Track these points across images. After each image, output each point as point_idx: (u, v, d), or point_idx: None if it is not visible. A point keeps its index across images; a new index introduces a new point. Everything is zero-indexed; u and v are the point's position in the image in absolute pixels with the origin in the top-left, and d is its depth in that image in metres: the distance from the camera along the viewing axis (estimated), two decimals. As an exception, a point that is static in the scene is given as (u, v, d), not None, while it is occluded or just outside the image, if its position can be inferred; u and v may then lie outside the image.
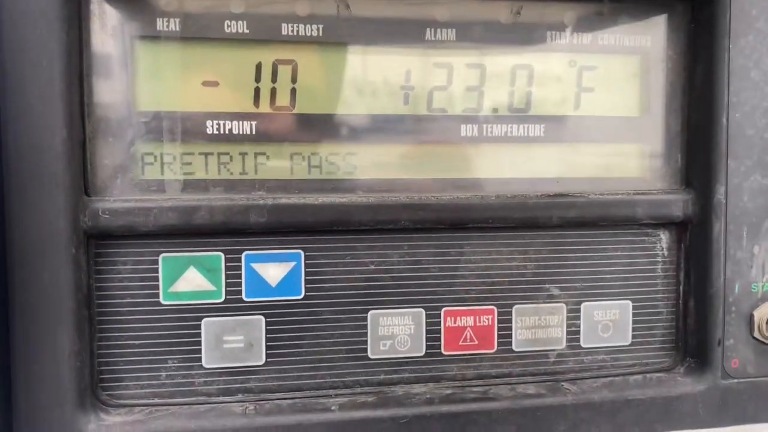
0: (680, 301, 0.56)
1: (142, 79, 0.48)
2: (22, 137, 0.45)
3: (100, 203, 0.47)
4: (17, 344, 0.46)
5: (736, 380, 0.54)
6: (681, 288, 0.56)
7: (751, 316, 0.54)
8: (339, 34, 0.50)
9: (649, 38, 0.55)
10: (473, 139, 0.53)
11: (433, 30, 0.52)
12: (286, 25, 0.50)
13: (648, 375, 0.55)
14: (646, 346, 0.56)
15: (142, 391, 0.49)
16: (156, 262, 0.49)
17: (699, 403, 0.54)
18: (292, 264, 0.51)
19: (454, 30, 0.52)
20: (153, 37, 0.48)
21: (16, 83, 0.44)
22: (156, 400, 0.49)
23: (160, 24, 0.48)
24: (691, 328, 0.55)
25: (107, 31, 0.47)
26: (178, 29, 0.48)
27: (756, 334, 0.54)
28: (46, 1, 0.44)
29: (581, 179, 0.55)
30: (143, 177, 0.49)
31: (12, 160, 0.45)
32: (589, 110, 0.55)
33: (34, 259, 0.45)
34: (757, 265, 0.54)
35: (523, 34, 0.53)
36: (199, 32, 0.49)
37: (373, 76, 0.51)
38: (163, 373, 0.49)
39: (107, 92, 0.48)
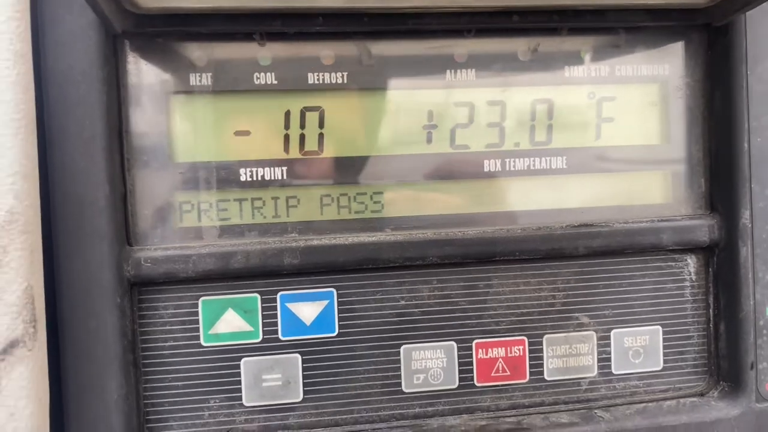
0: (711, 325, 0.56)
1: (177, 132, 0.51)
2: (68, 193, 0.47)
3: (142, 252, 0.49)
4: (69, 389, 0.48)
5: (771, 403, 0.54)
6: (711, 312, 0.56)
7: (784, 339, 0.54)
8: (363, 80, 0.52)
9: (667, 66, 0.56)
10: (497, 174, 0.54)
11: (453, 71, 0.53)
12: (312, 74, 0.52)
13: (681, 400, 0.55)
14: (678, 371, 0.56)
15: (186, 430, 0.51)
16: (196, 305, 0.51)
17: (734, 428, 0.54)
18: (326, 302, 0.52)
19: (473, 69, 0.54)
20: (187, 91, 0.51)
21: (61, 142, 0.47)
22: (200, 439, 0.51)
23: (193, 79, 0.51)
24: (723, 352, 0.56)
25: (143, 88, 0.50)
26: (210, 83, 0.51)
27: (789, 356, 0.54)
28: (87, 63, 0.47)
29: (606, 208, 0.55)
30: (182, 225, 0.51)
31: (59, 215, 0.48)
32: (610, 140, 0.56)
33: (82, 307, 0.48)
34: (787, 287, 0.55)
35: (541, 69, 0.54)
36: (230, 85, 0.51)
37: (396, 118, 0.53)
38: (206, 413, 0.51)
39: (146, 146, 0.50)
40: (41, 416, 0.43)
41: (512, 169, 0.55)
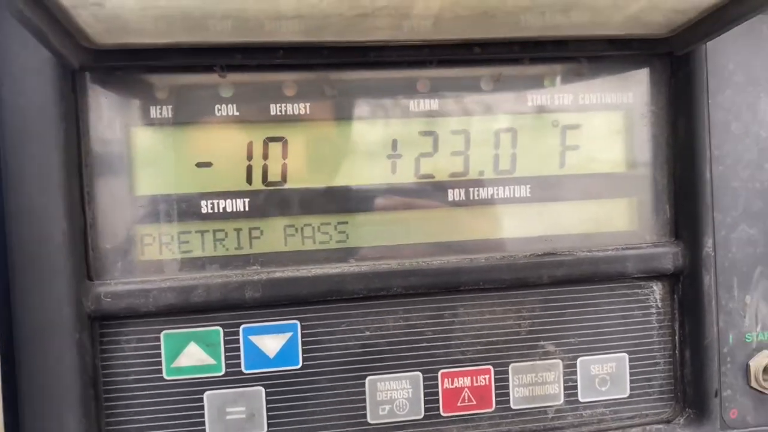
0: (677, 352, 0.56)
1: (138, 165, 0.50)
2: (25, 228, 0.47)
3: (102, 287, 0.49)
4: (26, 426, 0.47)
5: (735, 431, 0.54)
6: (677, 339, 0.56)
7: (747, 366, 0.55)
8: (326, 111, 0.52)
9: (631, 95, 0.56)
10: (461, 203, 0.54)
11: (416, 101, 0.53)
12: (274, 105, 0.52)
13: (648, 427, 0.55)
14: (644, 397, 0.56)
15: (150, 465, 0.51)
16: (158, 339, 0.50)
17: (699, 455, 0.54)
18: (289, 335, 0.52)
19: (436, 99, 0.54)
20: (147, 124, 0.50)
21: (17, 177, 0.47)
22: (162, 475, 0.51)
23: (154, 112, 0.50)
24: (689, 379, 0.56)
25: (103, 121, 0.50)
26: (170, 115, 0.51)
27: (753, 383, 0.54)
28: (43, 98, 0.47)
29: (570, 236, 0.55)
30: (143, 258, 0.51)
31: (16, 250, 0.47)
32: (574, 168, 0.56)
33: (40, 344, 0.47)
34: (750, 314, 0.55)
35: (504, 98, 0.55)
36: (191, 117, 0.51)
37: (360, 148, 0.53)
38: (170, 447, 0.51)
39: (106, 180, 0.50)
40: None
41: (477, 198, 0.54)
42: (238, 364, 0.51)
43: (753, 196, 0.55)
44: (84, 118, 0.49)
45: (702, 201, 0.54)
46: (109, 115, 0.50)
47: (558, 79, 0.55)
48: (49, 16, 0.40)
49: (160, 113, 0.50)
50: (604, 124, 0.56)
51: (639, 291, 0.56)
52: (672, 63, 0.55)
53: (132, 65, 0.49)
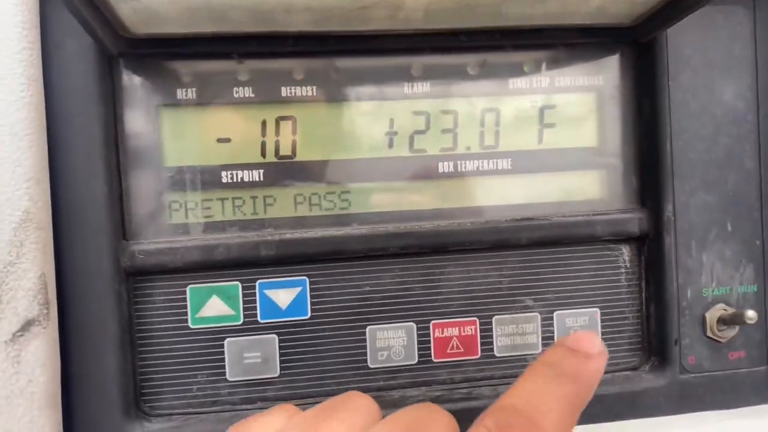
0: (643, 307, 0.63)
1: (166, 140, 0.58)
2: (72, 194, 0.54)
3: (136, 246, 0.56)
4: (73, 364, 0.55)
5: (692, 375, 0.62)
6: (643, 295, 0.63)
7: (704, 318, 0.62)
8: (330, 93, 0.59)
9: (601, 78, 0.63)
10: (450, 175, 0.61)
11: (410, 84, 0.60)
12: (285, 87, 0.59)
13: (617, 373, 0.62)
14: (614, 347, 0.63)
15: (177, 402, 0.58)
16: (184, 292, 0.58)
17: (661, 395, 0.61)
18: (299, 289, 0.59)
19: (428, 82, 0.61)
20: (174, 104, 0.58)
21: (65, 150, 0.54)
22: (189, 410, 0.58)
23: (180, 93, 0.58)
24: (653, 331, 0.63)
25: (136, 101, 0.57)
26: (194, 97, 0.58)
27: (708, 333, 0.61)
28: (86, 81, 0.54)
29: (547, 203, 0.62)
30: (171, 221, 0.58)
31: (65, 213, 0.54)
32: (551, 143, 0.63)
33: (84, 294, 0.55)
34: (706, 272, 0.62)
35: (488, 82, 0.61)
36: (213, 98, 0.58)
37: (361, 126, 0.60)
38: (194, 387, 0.58)
39: (138, 152, 0.57)
40: (54, 383, 0.50)
41: (464, 170, 0.61)
42: (255, 315, 0.59)
43: (708, 166, 0.62)
44: (119, 98, 0.57)
45: (664, 171, 0.61)
46: (140, 96, 0.57)
47: (536, 64, 0.62)
48: (94, 9, 0.48)
49: (185, 95, 0.58)
50: (578, 104, 0.63)
51: (609, 252, 0.63)
52: (637, 49, 0.62)
53: (161, 52, 0.56)
